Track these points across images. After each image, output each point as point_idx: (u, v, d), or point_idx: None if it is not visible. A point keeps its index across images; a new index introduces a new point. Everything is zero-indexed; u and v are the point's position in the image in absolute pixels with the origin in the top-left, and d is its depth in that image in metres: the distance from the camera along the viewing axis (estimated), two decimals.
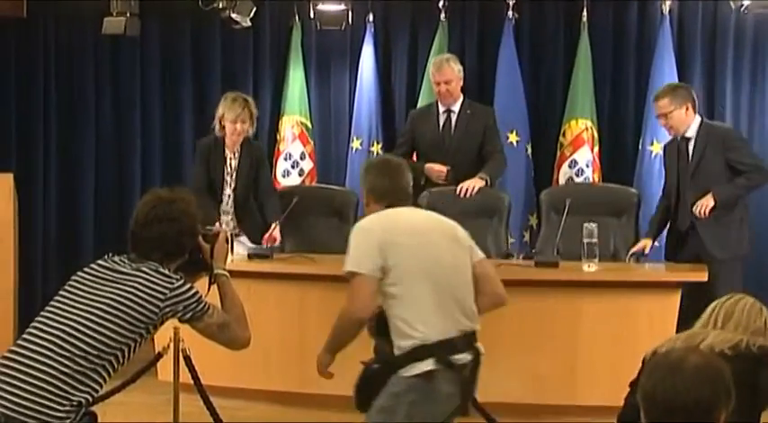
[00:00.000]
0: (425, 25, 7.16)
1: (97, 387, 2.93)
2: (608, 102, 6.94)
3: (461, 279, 3.33)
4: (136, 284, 3.00)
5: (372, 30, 7.16)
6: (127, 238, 3.15)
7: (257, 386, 5.41)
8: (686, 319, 4.07)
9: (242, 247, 5.77)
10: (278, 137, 7.27)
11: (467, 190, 5.83)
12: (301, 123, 7.24)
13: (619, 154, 6.92)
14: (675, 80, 6.42)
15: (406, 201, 3.47)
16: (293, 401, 5.31)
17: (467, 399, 3.24)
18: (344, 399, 3.41)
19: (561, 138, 6.81)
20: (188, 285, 3.07)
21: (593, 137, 6.74)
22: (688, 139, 5.46)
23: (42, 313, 3.01)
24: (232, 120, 5.86)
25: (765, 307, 3.13)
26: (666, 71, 6.55)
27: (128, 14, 6.65)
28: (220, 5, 6.61)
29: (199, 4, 6.61)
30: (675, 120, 5.42)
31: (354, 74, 7.25)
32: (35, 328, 2.97)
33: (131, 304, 2.97)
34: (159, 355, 4.69)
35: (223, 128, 5.92)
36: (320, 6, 7.12)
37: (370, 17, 7.15)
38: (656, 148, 6.40)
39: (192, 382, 4.59)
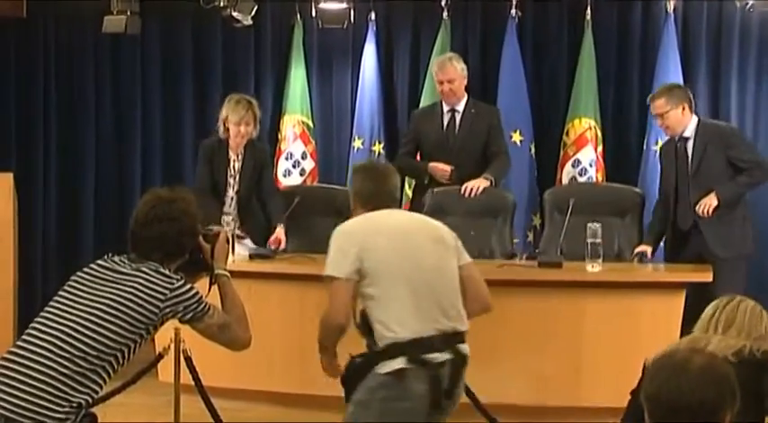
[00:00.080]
0: (428, 24, 7.14)
1: (97, 388, 2.91)
2: (612, 101, 6.93)
3: (444, 280, 3.34)
4: (136, 285, 2.98)
5: (374, 28, 7.15)
6: (127, 238, 3.13)
7: (258, 387, 5.40)
8: (688, 318, 4.05)
9: (244, 248, 5.75)
10: (279, 136, 7.26)
11: (471, 190, 5.82)
12: (303, 123, 7.22)
13: (623, 153, 6.91)
14: (680, 79, 6.42)
15: (391, 204, 3.49)
16: (295, 402, 5.29)
17: (438, 396, 3.23)
18: None
19: (564, 137, 6.80)
20: (188, 286, 3.06)
21: (596, 136, 6.73)
22: (686, 139, 5.45)
23: (42, 314, 2.99)
24: (236, 122, 5.85)
25: (765, 309, 3.11)
26: (671, 70, 6.53)
27: (128, 13, 6.65)
28: (221, 4, 6.61)
29: (200, 3, 6.61)
30: (672, 120, 5.41)
31: (356, 73, 7.23)
32: (34, 328, 2.96)
33: (131, 305, 2.95)
34: (160, 356, 4.68)
35: (227, 130, 5.91)
36: (322, 5, 7.10)
37: (372, 15, 7.14)
38: None
39: (192, 383, 4.58)
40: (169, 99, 7.43)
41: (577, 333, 5.13)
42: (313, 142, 7.25)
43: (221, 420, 4.62)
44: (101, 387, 2.93)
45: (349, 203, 5.97)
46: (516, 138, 6.73)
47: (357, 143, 7.13)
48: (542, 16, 7.03)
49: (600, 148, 6.75)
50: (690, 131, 5.44)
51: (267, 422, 5.17)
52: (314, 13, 7.13)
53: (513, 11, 6.87)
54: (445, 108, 6.14)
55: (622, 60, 6.92)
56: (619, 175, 6.62)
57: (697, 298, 4.70)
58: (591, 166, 6.69)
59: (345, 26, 7.10)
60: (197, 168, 6.11)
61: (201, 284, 3.22)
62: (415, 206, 6.05)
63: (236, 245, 5.47)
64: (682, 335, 3.58)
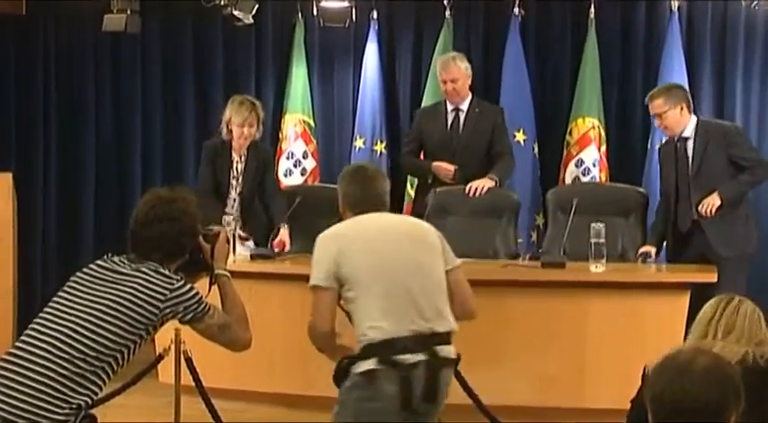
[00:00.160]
0: (430, 23, 7.13)
1: (97, 389, 2.91)
2: (615, 100, 6.91)
3: (424, 281, 3.34)
4: (135, 285, 2.98)
5: (376, 27, 7.13)
6: (127, 238, 3.12)
7: (260, 388, 5.39)
8: (691, 319, 4.01)
9: (246, 249, 5.73)
10: (280, 135, 7.24)
11: (476, 189, 5.81)
12: (304, 122, 7.21)
13: (626, 153, 6.90)
14: (684, 78, 6.41)
15: (379, 208, 3.48)
16: (296, 404, 5.28)
17: (408, 398, 3.22)
18: None
19: (568, 136, 6.79)
20: (188, 286, 3.05)
21: (600, 135, 6.72)
22: (686, 139, 5.44)
23: (41, 314, 2.99)
24: (239, 124, 5.83)
25: (763, 310, 3.10)
26: (675, 69, 6.52)
27: (128, 11, 6.65)
28: (222, 2, 6.61)
29: (200, 1, 6.61)
30: (670, 120, 5.40)
31: (358, 72, 7.22)
32: (34, 329, 2.95)
33: (131, 305, 2.95)
34: (160, 357, 4.66)
35: (230, 131, 5.89)
36: (323, 3, 7.09)
37: (374, 14, 7.12)
38: None
39: (193, 383, 4.56)
40: (169, 98, 7.42)
41: (581, 334, 5.12)
42: (314, 141, 7.24)
43: (222, 421, 4.60)
44: (100, 388, 2.92)
45: None
46: (519, 137, 6.71)
47: (359, 142, 7.11)
48: (545, 15, 7.01)
49: (603, 148, 6.73)
50: (689, 131, 5.43)
51: None
52: (315, 12, 7.11)
53: (516, 9, 6.85)
54: (449, 107, 6.12)
55: (626, 59, 6.90)
56: (622, 175, 6.60)
57: (699, 298, 4.66)
58: (594, 165, 6.68)
59: (347, 25, 7.07)
60: (199, 169, 6.10)
61: (202, 285, 3.21)
62: (419, 206, 6.05)
63: (236, 245, 5.45)
64: (685, 336, 3.54)
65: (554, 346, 5.11)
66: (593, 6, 6.74)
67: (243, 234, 5.80)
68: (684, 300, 4.97)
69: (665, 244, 5.64)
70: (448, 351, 3.32)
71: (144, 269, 3.01)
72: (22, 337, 2.94)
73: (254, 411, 5.27)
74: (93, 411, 2.94)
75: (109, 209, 7.33)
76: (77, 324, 2.90)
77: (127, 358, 2.96)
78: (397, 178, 7.00)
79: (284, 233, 5.77)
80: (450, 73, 6.00)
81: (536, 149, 6.82)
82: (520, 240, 6.17)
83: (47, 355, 2.85)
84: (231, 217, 5.74)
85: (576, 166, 6.69)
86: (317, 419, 5.01)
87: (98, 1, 6.78)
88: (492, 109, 6.21)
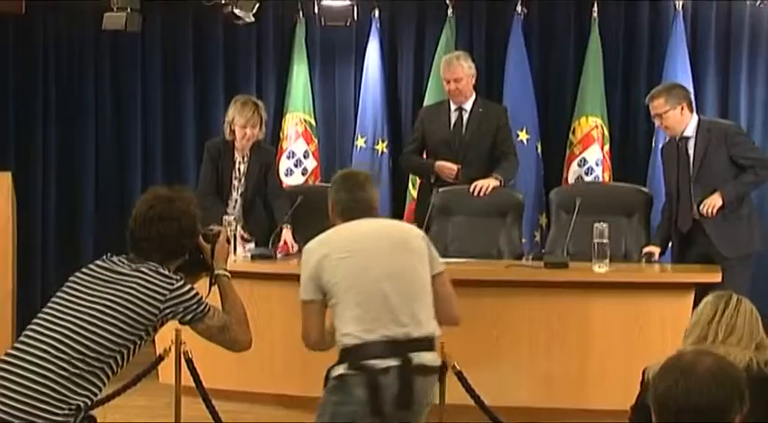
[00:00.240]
0: (432, 21, 7.12)
1: (96, 390, 2.90)
2: (619, 99, 6.91)
3: (404, 286, 3.35)
4: (135, 285, 2.97)
5: (378, 25, 7.12)
6: (126, 237, 3.11)
7: (260, 389, 5.37)
8: None
9: (247, 250, 5.70)
10: (281, 135, 7.22)
11: (481, 188, 5.80)
12: (305, 121, 7.19)
13: (630, 152, 6.89)
14: (689, 77, 6.42)
15: (367, 214, 3.50)
16: (297, 404, 5.25)
17: (377, 403, 3.25)
18: None
19: (571, 136, 6.78)
20: (188, 286, 3.04)
21: (603, 135, 6.71)
22: (687, 139, 5.42)
23: (40, 315, 2.98)
24: (242, 124, 5.83)
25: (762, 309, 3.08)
26: (679, 68, 6.52)
27: (128, 10, 6.61)
28: (223, 1, 6.60)
29: (201, 0, 6.55)
30: (671, 120, 5.39)
31: (359, 71, 7.21)
32: (33, 330, 2.94)
33: (130, 305, 2.93)
34: (160, 358, 4.64)
35: (233, 132, 5.88)
36: (325, 2, 7.06)
37: (376, 13, 7.11)
38: None
39: (193, 384, 4.55)
40: (170, 97, 7.42)
41: (584, 334, 5.09)
42: (315, 141, 7.22)
43: (222, 422, 4.59)
44: (100, 389, 2.91)
45: None
46: (523, 136, 6.70)
47: (360, 142, 7.10)
48: (548, 13, 7.00)
49: (606, 147, 6.73)
50: (690, 131, 5.41)
51: None
52: (317, 11, 7.09)
53: (519, 8, 6.84)
54: (452, 106, 6.10)
55: (629, 58, 6.89)
56: (625, 175, 6.60)
57: (700, 299, 4.63)
58: (597, 165, 6.67)
59: (348, 23, 7.05)
60: (201, 169, 6.09)
61: (202, 285, 3.19)
62: (422, 205, 6.02)
63: (237, 245, 5.43)
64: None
65: (557, 347, 5.09)
66: (596, 5, 6.73)
67: (246, 236, 5.78)
68: (689, 300, 4.93)
69: (670, 244, 5.62)
70: (426, 358, 3.32)
71: (143, 269, 3.00)
72: (21, 338, 2.93)
73: (254, 412, 5.26)
74: (94, 412, 2.93)
75: (109, 208, 7.32)
76: (76, 325, 2.89)
77: (126, 359, 2.95)
78: (398, 178, 7.00)
79: (287, 234, 5.74)
80: (454, 72, 5.97)
81: (539, 149, 6.81)
82: (523, 240, 6.15)
83: (45, 356, 2.84)
84: (232, 217, 5.72)
85: (579, 165, 6.69)
86: None
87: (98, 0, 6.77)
88: (496, 108, 6.20)
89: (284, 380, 5.36)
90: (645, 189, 6.03)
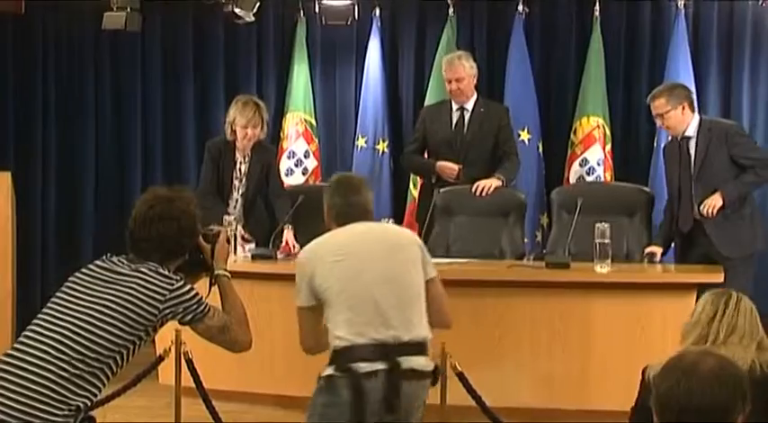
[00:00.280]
0: (433, 20, 7.10)
1: (96, 391, 2.89)
2: (621, 99, 6.89)
3: (396, 290, 3.35)
4: (134, 285, 2.95)
5: (379, 25, 7.11)
6: (126, 237, 3.10)
7: (260, 390, 5.36)
8: None
9: (247, 251, 5.69)
10: (281, 134, 7.21)
11: (483, 188, 5.79)
12: (305, 121, 7.18)
13: (631, 152, 6.88)
14: (691, 76, 6.41)
15: (362, 218, 3.51)
16: (297, 405, 5.17)
17: (360, 407, 3.26)
18: None
19: (572, 135, 6.77)
20: (188, 286, 3.03)
21: (604, 134, 6.70)
22: (688, 139, 5.41)
23: (39, 316, 2.97)
24: (243, 125, 5.82)
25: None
26: (681, 67, 6.51)
27: (128, 9, 6.59)
28: (223, 0, 6.53)
29: None
30: (672, 120, 5.38)
31: (360, 70, 7.20)
32: (32, 330, 2.93)
33: (130, 306, 2.92)
34: (160, 358, 4.64)
35: (234, 132, 5.87)
36: (326, 1, 7.05)
37: (377, 12, 7.10)
38: None
39: (193, 385, 4.54)
40: (170, 97, 7.41)
41: (586, 335, 5.08)
42: (316, 140, 7.21)
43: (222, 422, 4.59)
44: (99, 390, 2.90)
45: None
46: (524, 136, 6.70)
47: (361, 141, 7.09)
48: (550, 13, 6.99)
49: (608, 147, 6.72)
50: (692, 130, 5.40)
51: None
52: (317, 10, 7.08)
53: (521, 7, 6.83)
54: (454, 106, 6.09)
55: (631, 57, 6.88)
56: (627, 175, 6.59)
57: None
58: (599, 164, 6.66)
59: (349, 22, 7.04)
60: (202, 169, 6.08)
61: (201, 285, 3.18)
62: (423, 206, 6.00)
63: (237, 245, 5.41)
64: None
65: (558, 348, 5.08)
66: (597, 4, 6.72)
67: (247, 236, 5.77)
68: (691, 300, 4.90)
69: (672, 244, 5.60)
70: (417, 363, 3.31)
71: (143, 269, 2.98)
72: (21, 339, 2.92)
73: (254, 413, 5.25)
74: (94, 413, 2.92)
75: (108, 208, 7.31)
76: (76, 325, 2.87)
77: (126, 359, 2.93)
78: (399, 178, 6.98)
79: (288, 234, 5.73)
80: (456, 72, 5.96)
81: (540, 148, 6.80)
82: (525, 240, 6.14)
83: (45, 357, 2.83)
84: (232, 217, 5.71)
85: (581, 165, 6.68)
86: None
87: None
88: (497, 108, 6.18)
89: (284, 380, 5.34)
90: (646, 189, 6.02)
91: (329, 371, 3.29)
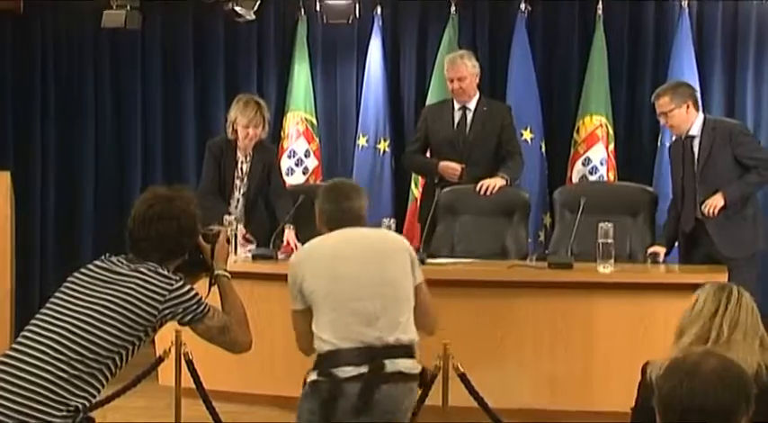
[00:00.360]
0: (435, 19, 7.09)
1: (95, 392, 2.88)
2: (624, 98, 6.87)
3: (384, 293, 3.39)
4: (133, 285, 2.94)
5: (380, 23, 7.09)
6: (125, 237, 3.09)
7: (261, 390, 5.34)
8: None
9: (248, 251, 5.67)
10: (282, 134, 7.20)
11: (488, 187, 5.77)
12: (306, 120, 7.16)
13: (635, 151, 6.87)
14: (695, 75, 6.39)
15: (353, 223, 3.55)
16: (296, 406, 5.19)
17: (328, 411, 3.30)
18: None
19: (575, 134, 6.75)
20: (187, 287, 3.02)
21: (607, 134, 6.68)
22: (692, 138, 5.39)
23: (38, 316, 2.96)
24: (244, 125, 5.81)
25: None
26: (685, 65, 6.49)
27: (128, 8, 6.61)
28: None
29: None
30: (676, 119, 5.36)
31: (361, 69, 7.18)
32: (30, 331, 2.92)
33: (129, 306, 2.91)
34: (160, 359, 4.63)
35: (235, 131, 5.86)
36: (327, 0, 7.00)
37: (378, 10, 7.08)
38: None
39: (194, 386, 4.54)
40: (170, 96, 7.39)
41: (588, 335, 5.07)
42: (317, 140, 7.19)
43: None
44: (98, 390, 2.90)
45: None
46: (527, 135, 6.68)
47: (362, 141, 7.07)
48: (553, 11, 6.98)
49: (611, 146, 6.70)
50: (696, 130, 5.39)
51: None
52: (318, 8, 7.05)
53: (523, 5, 6.81)
54: (456, 105, 6.08)
55: (635, 56, 6.85)
56: (630, 174, 6.57)
57: None
58: (602, 164, 6.64)
59: (350, 21, 7.01)
60: (203, 168, 6.07)
61: (201, 285, 3.17)
62: (426, 206, 5.99)
63: (237, 245, 5.40)
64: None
65: (561, 348, 5.06)
66: (600, 2, 6.70)
67: (249, 237, 5.75)
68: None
69: (676, 244, 5.58)
70: (403, 365, 3.34)
71: (142, 269, 2.97)
72: (19, 339, 2.91)
73: (254, 414, 5.23)
74: (93, 414, 2.92)
75: (108, 208, 7.29)
76: (75, 325, 2.86)
77: (125, 360, 2.92)
78: (401, 177, 6.96)
79: (290, 234, 5.71)
80: (458, 71, 5.94)
81: (543, 148, 6.78)
82: (529, 240, 6.13)
83: (43, 357, 2.82)
84: (233, 217, 5.69)
85: (584, 164, 6.66)
86: None
87: None
88: (500, 107, 6.17)
89: (285, 381, 5.28)
90: (650, 188, 6.00)
91: (313, 376, 3.34)
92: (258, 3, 6.63)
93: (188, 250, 3.12)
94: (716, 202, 5.24)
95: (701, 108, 5.51)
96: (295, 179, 7.01)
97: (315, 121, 7.20)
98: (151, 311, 2.92)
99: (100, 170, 7.37)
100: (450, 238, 5.74)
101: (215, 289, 3.20)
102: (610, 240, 5.01)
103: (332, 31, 7.19)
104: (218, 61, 7.31)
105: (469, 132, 6.01)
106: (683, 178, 5.42)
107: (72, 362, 2.81)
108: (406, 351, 3.35)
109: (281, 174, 6.36)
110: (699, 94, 5.66)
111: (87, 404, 2.84)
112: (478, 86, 6.07)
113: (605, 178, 6.59)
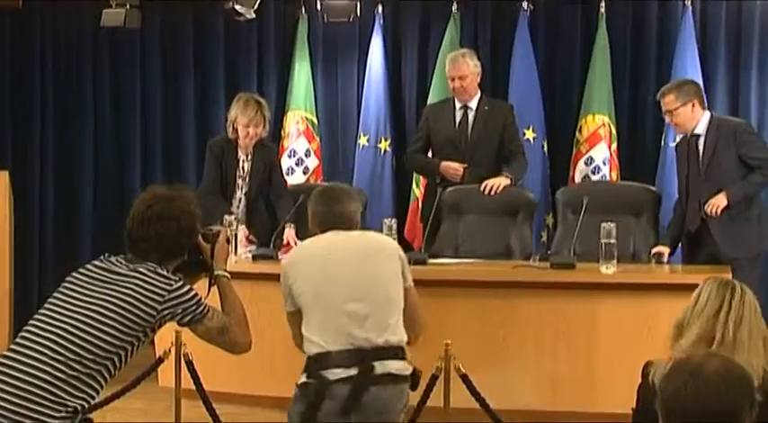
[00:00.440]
0: (436, 17, 7.07)
1: (93, 393, 2.88)
2: (627, 97, 6.85)
3: (373, 295, 3.42)
4: (133, 286, 2.94)
5: (381, 22, 7.08)
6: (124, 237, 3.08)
7: (261, 392, 5.32)
8: None
9: (249, 252, 5.65)
10: (282, 133, 7.18)
11: (492, 187, 5.76)
12: (306, 119, 7.15)
13: (638, 151, 6.84)
14: (698, 74, 6.36)
15: (344, 226, 3.58)
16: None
17: (310, 413, 3.32)
18: None
19: (577, 134, 6.73)
20: (187, 287, 3.01)
21: (610, 133, 6.66)
22: (698, 136, 5.38)
23: (36, 316, 2.96)
24: (245, 124, 5.81)
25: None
26: (689, 64, 6.47)
27: (127, 6, 6.59)
28: None
29: None
30: (681, 117, 5.35)
31: (362, 68, 7.17)
32: (29, 331, 2.91)
33: (128, 306, 2.90)
34: (160, 360, 4.64)
35: (235, 130, 5.85)
36: None
37: (379, 9, 7.06)
38: None
39: (194, 387, 4.54)
40: (170, 95, 7.38)
41: (591, 336, 5.06)
42: (317, 139, 7.18)
43: None
44: (97, 391, 2.90)
45: None
46: (529, 135, 6.65)
47: (363, 140, 7.06)
48: (555, 10, 6.95)
49: (614, 146, 6.68)
50: (701, 128, 5.38)
51: None
52: (319, 7, 7.05)
53: (525, 4, 6.79)
54: (457, 105, 6.07)
55: (638, 55, 6.83)
56: (634, 174, 6.54)
57: None
58: (604, 163, 6.62)
59: (351, 20, 6.99)
60: (205, 168, 6.06)
61: (201, 285, 3.16)
62: (428, 206, 5.98)
63: (238, 245, 5.39)
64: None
65: (563, 349, 5.06)
66: (603, 1, 6.67)
67: (252, 238, 5.74)
68: None
69: (680, 244, 5.56)
70: (393, 366, 3.36)
71: (142, 269, 2.97)
72: (18, 339, 2.91)
73: (255, 415, 5.22)
74: (92, 415, 2.92)
75: (107, 208, 7.27)
76: (73, 326, 2.86)
77: (124, 361, 2.92)
78: (402, 177, 6.95)
79: (290, 233, 5.69)
80: (459, 70, 5.93)
81: (545, 147, 6.76)
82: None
83: (42, 358, 2.82)
84: (233, 216, 5.67)
85: (586, 164, 6.63)
86: None
87: None
88: (502, 106, 6.16)
89: (285, 382, 5.25)
90: (653, 188, 5.99)
91: (303, 378, 3.38)
92: (258, 1, 6.61)
93: (187, 250, 3.11)
94: (719, 202, 5.23)
95: (707, 106, 5.49)
96: (295, 179, 7.00)
97: (315, 121, 7.18)
98: (150, 312, 2.91)
99: (99, 170, 7.36)
100: (454, 238, 5.75)
101: (215, 289, 3.19)
102: (613, 240, 5.00)
103: (333, 29, 7.17)
104: (218, 60, 7.29)
105: (471, 132, 6.00)
106: (689, 177, 5.41)
107: (70, 362, 2.81)
108: (395, 352, 3.38)
109: (282, 173, 6.35)
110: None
111: (86, 405, 2.84)
112: (480, 85, 6.06)
113: (608, 178, 6.57)
